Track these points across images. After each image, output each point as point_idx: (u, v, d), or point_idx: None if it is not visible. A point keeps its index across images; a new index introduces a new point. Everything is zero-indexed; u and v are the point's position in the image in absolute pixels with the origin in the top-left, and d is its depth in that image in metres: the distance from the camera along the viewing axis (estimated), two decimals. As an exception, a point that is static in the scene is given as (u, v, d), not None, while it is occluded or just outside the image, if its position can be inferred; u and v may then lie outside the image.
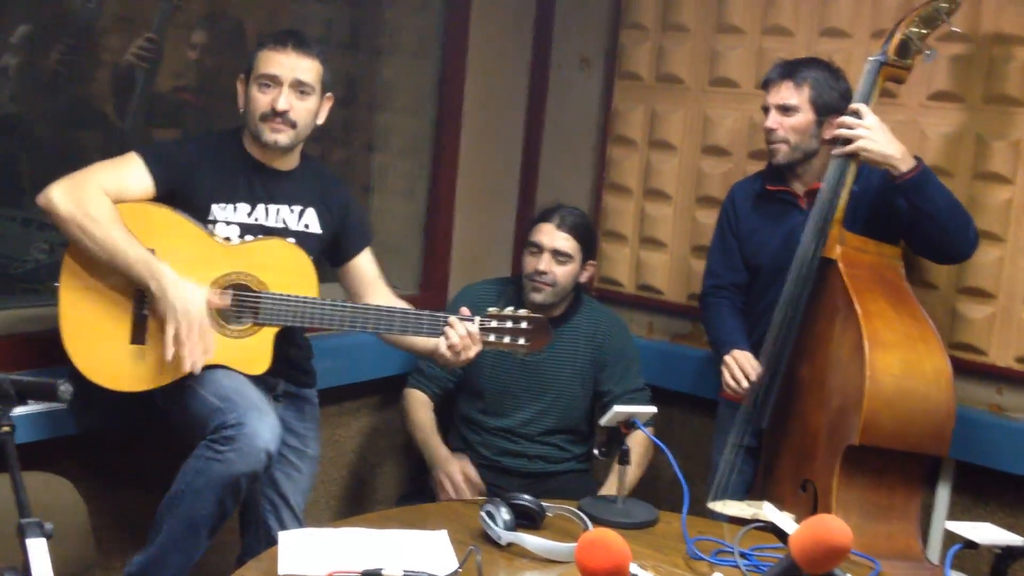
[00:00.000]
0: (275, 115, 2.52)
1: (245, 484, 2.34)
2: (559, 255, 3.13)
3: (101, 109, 3.12)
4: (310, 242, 2.64)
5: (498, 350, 2.63)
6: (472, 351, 2.56)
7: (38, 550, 1.45)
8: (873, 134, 2.71)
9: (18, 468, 1.55)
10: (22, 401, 1.64)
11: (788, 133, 2.91)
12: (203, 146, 2.60)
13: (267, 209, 2.59)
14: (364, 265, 2.80)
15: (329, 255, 2.77)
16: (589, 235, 3.22)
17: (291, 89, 2.53)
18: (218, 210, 2.53)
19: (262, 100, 2.53)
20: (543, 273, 3.11)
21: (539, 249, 3.13)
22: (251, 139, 2.60)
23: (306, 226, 2.66)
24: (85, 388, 2.36)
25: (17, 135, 2.93)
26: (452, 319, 2.55)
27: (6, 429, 1.60)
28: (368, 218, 2.91)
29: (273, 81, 2.53)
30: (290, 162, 2.65)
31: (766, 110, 2.96)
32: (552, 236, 3.13)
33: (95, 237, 2.34)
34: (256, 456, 2.31)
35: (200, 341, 2.39)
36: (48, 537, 1.47)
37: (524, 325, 2.58)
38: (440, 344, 2.55)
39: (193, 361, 2.38)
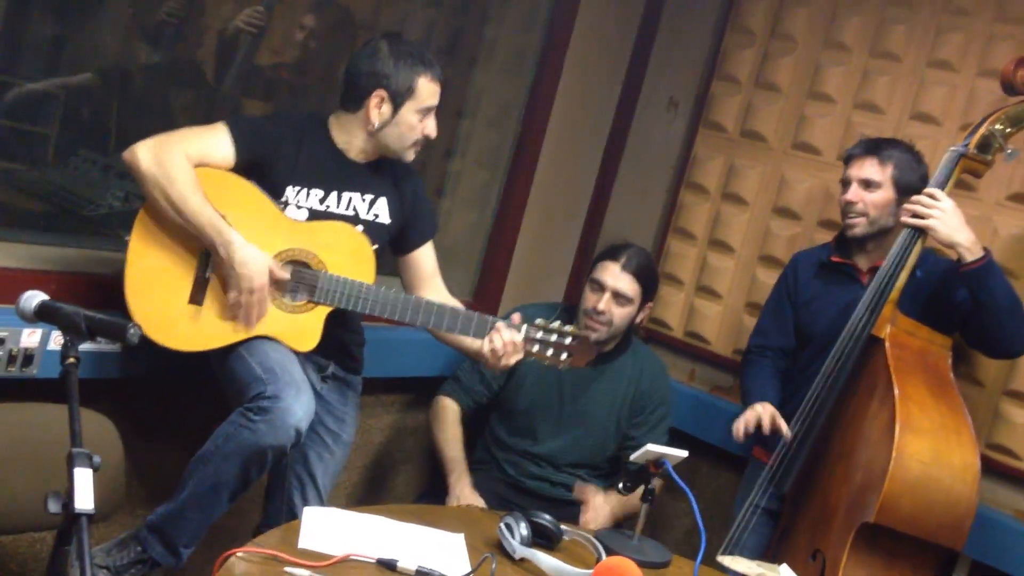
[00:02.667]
0: (426, 142, 2.66)
1: (271, 457, 2.39)
2: (620, 297, 3.13)
3: (200, 71, 3.20)
4: (378, 231, 2.69)
5: (541, 362, 2.65)
6: (513, 358, 2.59)
7: (84, 480, 1.51)
8: (946, 217, 2.73)
9: (77, 400, 1.61)
10: (91, 337, 1.70)
11: (868, 208, 2.93)
12: (289, 127, 2.64)
13: (339, 196, 2.64)
14: (425, 258, 2.84)
15: (393, 244, 2.81)
16: (652, 278, 3.23)
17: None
18: (291, 192, 2.59)
19: (417, 128, 2.62)
20: (601, 313, 3.13)
21: (601, 287, 3.14)
22: (340, 129, 2.65)
23: (375, 216, 2.70)
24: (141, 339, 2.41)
25: (114, 84, 3.02)
26: (499, 323, 2.59)
27: (72, 361, 1.66)
28: (435, 212, 2.96)
29: (431, 111, 2.63)
30: (369, 157, 2.70)
31: (846, 183, 2.98)
32: (616, 277, 3.13)
33: (172, 199, 2.41)
34: (286, 431, 2.36)
35: (257, 306, 2.46)
36: (96, 470, 1.52)
37: (568, 341, 2.61)
38: (484, 345, 2.59)
39: (248, 325, 2.45)
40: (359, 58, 2.62)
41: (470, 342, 2.67)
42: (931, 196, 2.76)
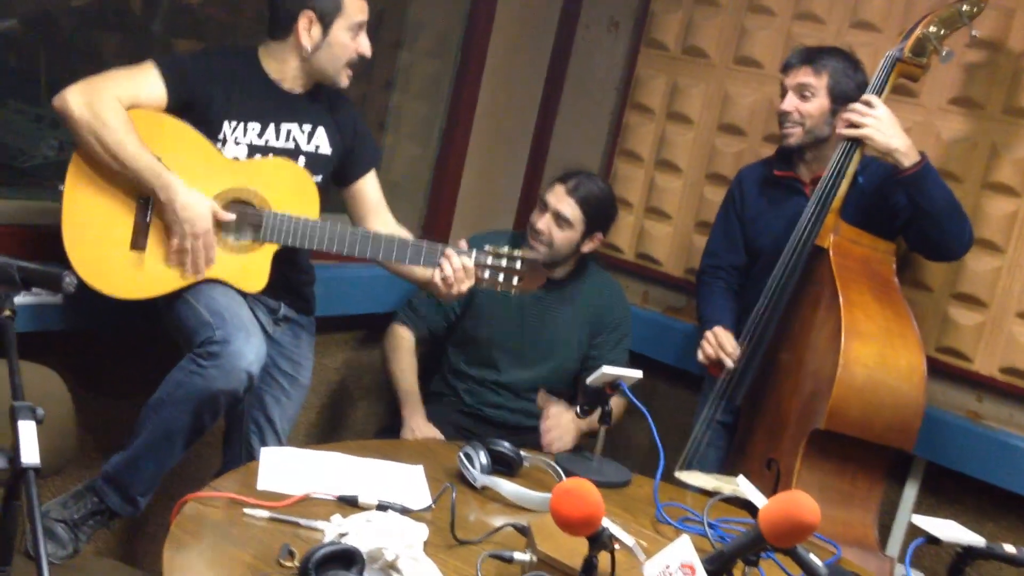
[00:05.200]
0: (361, 61, 2.60)
1: (224, 402, 2.37)
2: (560, 219, 3.11)
3: (128, 11, 3.11)
4: (321, 162, 2.66)
5: (491, 288, 2.63)
6: (465, 284, 2.58)
7: (28, 433, 1.48)
8: (881, 124, 2.74)
9: (16, 353, 1.57)
10: (26, 288, 1.66)
11: (804, 117, 2.93)
12: (220, 62, 2.58)
13: (278, 129, 2.60)
14: (369, 188, 2.81)
15: (336, 176, 2.77)
16: (601, 208, 3.17)
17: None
18: (228, 129, 2.54)
19: (350, 47, 2.57)
20: (540, 232, 3.12)
21: (545, 207, 3.14)
22: (271, 60, 2.60)
23: (317, 147, 2.66)
24: (82, 287, 2.37)
25: (40, 32, 2.93)
26: (448, 251, 2.57)
27: (7, 314, 1.62)
28: (376, 141, 2.91)
29: (363, 28, 2.58)
30: (305, 86, 2.64)
31: (783, 92, 2.98)
32: (559, 199, 3.11)
33: (106, 143, 2.35)
34: (237, 376, 2.34)
35: (203, 251, 2.41)
36: (39, 422, 1.49)
37: (519, 265, 2.60)
38: (435, 274, 2.57)
39: (195, 270, 2.40)
40: None
41: (421, 272, 2.65)
42: (867, 103, 2.77)
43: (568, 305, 3.23)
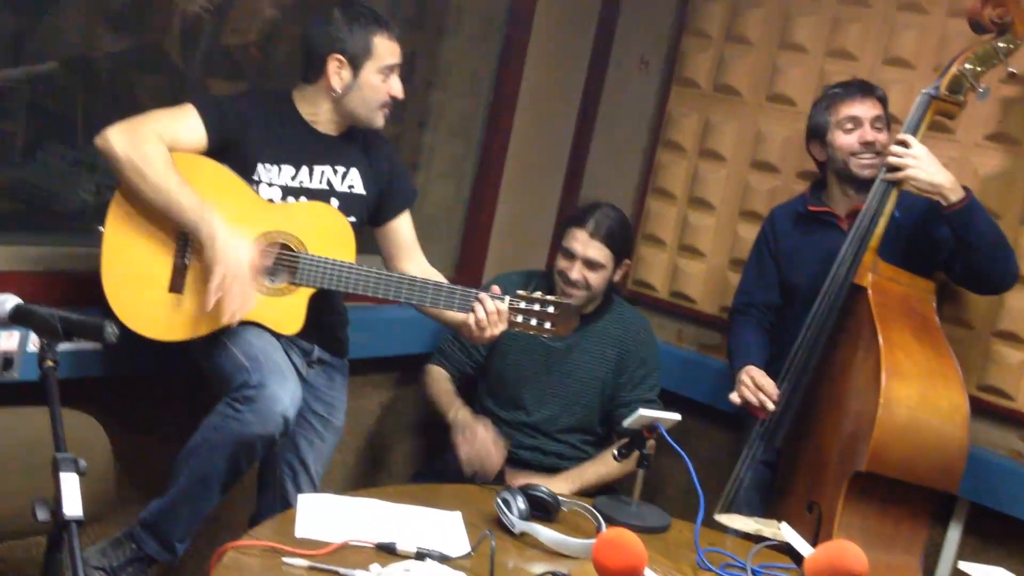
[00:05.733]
0: (395, 102, 2.63)
1: (260, 447, 2.37)
2: (591, 264, 3.09)
3: (165, 54, 3.14)
4: (355, 203, 2.66)
5: (525, 332, 2.63)
6: (498, 329, 2.58)
7: (70, 485, 1.48)
8: (922, 163, 2.72)
9: (58, 404, 1.58)
10: (67, 338, 1.66)
11: (883, 147, 2.90)
12: (256, 105, 2.61)
13: (311, 171, 2.61)
14: (403, 228, 2.81)
15: (370, 215, 2.77)
16: (624, 238, 3.17)
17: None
18: (263, 171, 2.55)
19: (381, 89, 2.58)
20: (575, 281, 3.08)
21: (572, 256, 3.10)
22: (305, 102, 2.61)
23: (350, 187, 2.67)
24: (121, 331, 2.38)
25: (77, 75, 2.96)
26: (482, 295, 2.57)
27: (50, 364, 1.62)
28: (411, 179, 2.92)
29: (395, 70, 2.59)
30: (339, 128, 2.66)
31: (855, 122, 2.94)
32: (585, 245, 3.08)
33: (149, 180, 2.36)
34: (273, 420, 2.33)
35: (242, 293, 2.41)
36: (81, 474, 1.50)
37: (551, 309, 2.59)
38: (469, 318, 2.57)
39: (232, 312, 2.40)
40: (313, 27, 2.59)
41: (452, 315, 2.64)
42: (903, 143, 2.75)
43: (593, 340, 3.21)
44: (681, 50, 3.74)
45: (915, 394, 2.65)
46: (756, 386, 2.89)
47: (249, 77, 3.33)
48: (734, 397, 2.94)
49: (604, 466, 3.11)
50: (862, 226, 2.80)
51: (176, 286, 2.46)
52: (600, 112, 3.92)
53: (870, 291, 2.75)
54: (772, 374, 2.92)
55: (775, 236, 3.15)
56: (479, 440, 2.98)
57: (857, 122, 2.94)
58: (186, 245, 2.46)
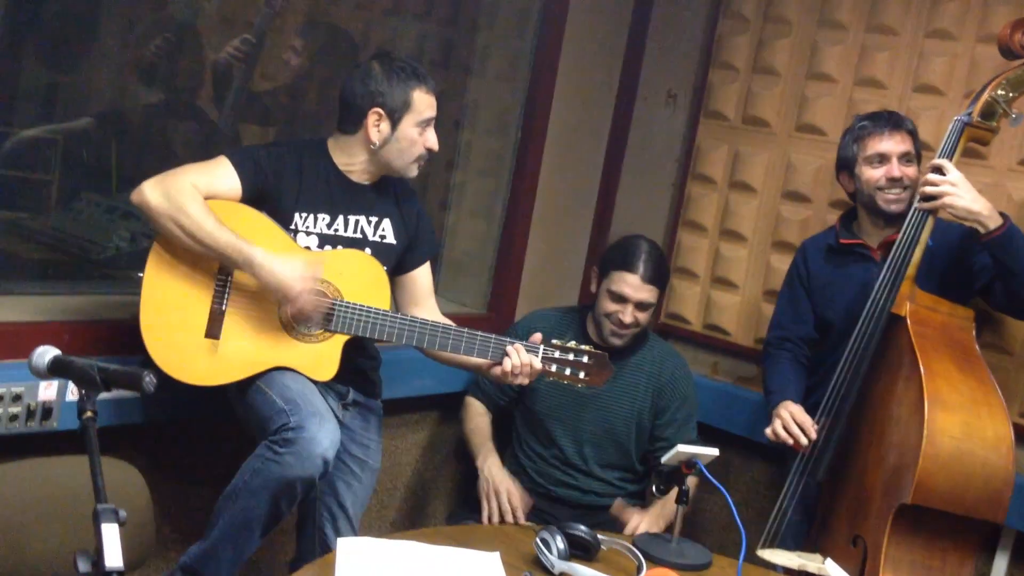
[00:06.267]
0: (429, 155, 2.67)
1: (300, 488, 2.38)
2: (644, 306, 3.10)
3: (196, 104, 3.19)
4: (386, 252, 2.69)
5: (558, 381, 2.65)
6: (527, 380, 2.60)
7: (111, 536, 1.48)
8: (959, 190, 2.69)
9: (98, 454, 1.58)
10: (106, 388, 1.67)
11: (911, 182, 2.89)
12: (290, 154, 2.63)
13: (346, 220, 2.63)
14: (422, 277, 2.83)
15: (395, 264, 2.80)
16: (666, 272, 3.21)
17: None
18: (299, 219, 2.58)
19: (418, 142, 2.61)
20: (627, 325, 3.08)
21: (622, 299, 3.08)
22: (340, 152, 2.64)
23: (383, 237, 2.69)
24: (159, 378, 2.40)
25: (111, 127, 3.01)
26: (516, 345, 2.59)
27: (89, 415, 1.63)
28: (434, 232, 2.95)
29: (431, 123, 2.63)
30: (371, 179, 2.69)
31: (882, 158, 2.92)
32: (637, 289, 3.06)
33: (187, 226, 2.38)
34: (313, 462, 2.34)
35: (312, 302, 2.46)
36: (121, 524, 1.50)
37: (586, 359, 2.61)
38: (499, 368, 2.59)
39: (316, 307, 2.47)
40: (353, 81, 2.61)
41: (465, 358, 2.67)
42: (939, 169, 2.73)
43: (627, 374, 3.19)
44: (708, 83, 3.75)
45: (959, 424, 2.62)
46: (793, 422, 2.86)
47: (279, 123, 3.38)
48: (769, 432, 2.91)
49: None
50: (898, 256, 2.78)
51: (213, 331, 2.48)
52: (629, 147, 3.93)
53: (909, 320, 2.72)
54: (809, 407, 2.89)
55: (807, 269, 3.13)
56: (502, 501, 3.01)
57: (885, 158, 2.92)
58: (223, 291, 2.48)
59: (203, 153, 2.63)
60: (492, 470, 3.09)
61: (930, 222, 2.75)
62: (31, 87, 2.85)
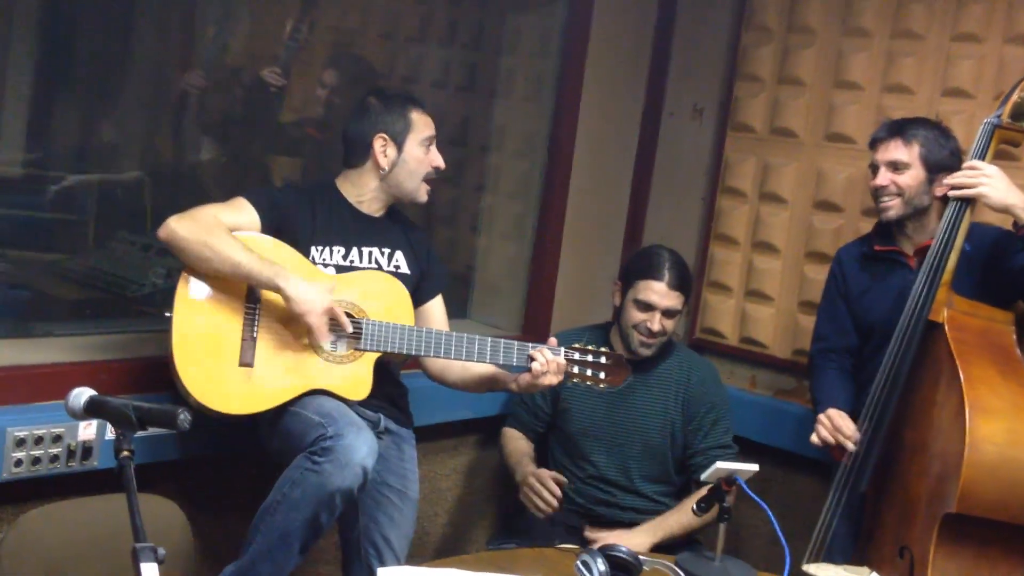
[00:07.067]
0: (436, 174, 2.76)
1: (340, 500, 2.37)
2: (671, 313, 3.11)
3: (225, 142, 3.24)
4: (404, 281, 2.74)
5: (582, 383, 2.70)
6: (553, 378, 2.64)
7: (151, 575, 1.49)
8: (994, 181, 2.67)
9: (135, 493, 1.60)
10: (142, 427, 1.69)
11: (900, 189, 2.88)
12: (302, 191, 2.74)
13: (360, 251, 2.70)
14: (435, 310, 2.88)
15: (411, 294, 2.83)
16: (690, 279, 3.22)
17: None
18: (316, 253, 2.64)
19: (425, 160, 2.72)
20: (656, 333, 3.09)
21: (649, 307, 3.10)
22: (350, 186, 2.72)
23: (396, 267, 2.76)
24: (192, 414, 2.41)
25: (142, 165, 3.06)
26: (540, 348, 2.65)
27: (126, 454, 1.65)
28: (444, 266, 3.02)
29: (432, 142, 2.73)
30: (381, 210, 2.76)
31: (875, 169, 2.93)
32: (664, 296, 3.08)
33: (217, 247, 2.43)
34: (352, 470, 2.34)
35: (326, 324, 2.50)
36: (160, 563, 1.51)
37: (603, 360, 2.69)
38: (527, 376, 2.65)
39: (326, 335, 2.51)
40: (353, 119, 2.74)
41: (481, 368, 2.75)
42: (972, 167, 2.70)
43: (656, 386, 3.19)
44: (734, 96, 3.73)
45: (1002, 430, 2.57)
46: (834, 427, 2.84)
47: (306, 154, 3.41)
48: (814, 438, 2.89)
49: (686, 515, 3.06)
50: (933, 260, 2.75)
51: (246, 360, 2.50)
52: (657, 163, 3.92)
53: (947, 327, 2.69)
54: (853, 415, 2.87)
55: (844, 278, 3.11)
56: (536, 488, 3.00)
57: (875, 167, 2.93)
58: (253, 319, 2.51)
59: (231, 184, 2.69)
60: (524, 472, 3.09)
61: (966, 219, 2.72)
62: (64, 131, 2.92)
